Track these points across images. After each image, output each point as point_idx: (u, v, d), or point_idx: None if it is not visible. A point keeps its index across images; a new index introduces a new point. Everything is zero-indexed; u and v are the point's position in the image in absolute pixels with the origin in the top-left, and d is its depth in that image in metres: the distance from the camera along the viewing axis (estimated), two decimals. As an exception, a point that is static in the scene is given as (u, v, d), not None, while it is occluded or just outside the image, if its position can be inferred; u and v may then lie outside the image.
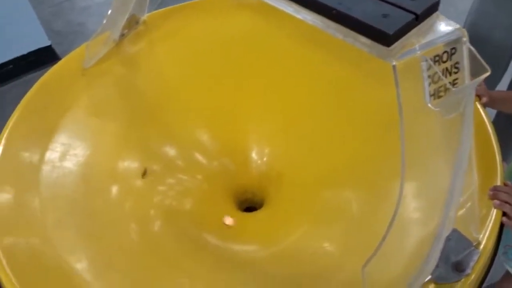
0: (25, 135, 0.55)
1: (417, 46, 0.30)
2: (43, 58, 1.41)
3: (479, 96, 0.57)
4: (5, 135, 0.54)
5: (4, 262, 0.43)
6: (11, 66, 1.41)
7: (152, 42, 0.66)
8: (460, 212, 0.39)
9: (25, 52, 1.41)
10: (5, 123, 0.56)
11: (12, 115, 0.57)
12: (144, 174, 0.54)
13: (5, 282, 0.43)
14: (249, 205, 0.63)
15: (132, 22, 0.65)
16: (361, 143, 0.57)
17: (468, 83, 0.31)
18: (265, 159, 0.63)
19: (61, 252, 0.46)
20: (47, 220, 0.48)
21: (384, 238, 0.35)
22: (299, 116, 0.63)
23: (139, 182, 0.56)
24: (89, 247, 0.48)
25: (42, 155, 0.53)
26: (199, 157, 0.62)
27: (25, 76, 1.42)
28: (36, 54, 1.42)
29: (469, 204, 0.39)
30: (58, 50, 1.43)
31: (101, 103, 0.61)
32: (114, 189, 0.54)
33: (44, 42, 1.42)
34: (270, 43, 0.65)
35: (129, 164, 0.57)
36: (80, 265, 0.46)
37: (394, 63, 0.30)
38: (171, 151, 0.61)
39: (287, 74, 0.65)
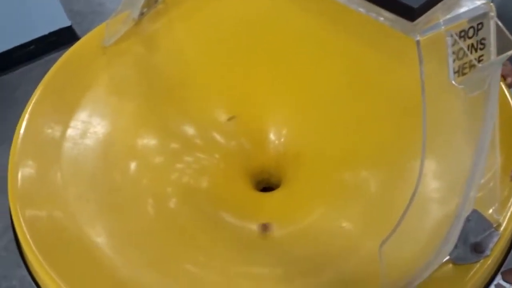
0: (47, 113, 0.56)
1: (441, 21, 0.29)
2: (63, 38, 1.43)
3: (504, 76, 0.55)
4: (28, 112, 0.55)
5: (27, 233, 0.44)
6: (32, 47, 1.43)
7: (172, 21, 0.65)
8: (481, 193, 0.38)
9: (46, 32, 1.43)
10: (27, 101, 0.57)
11: (34, 92, 0.58)
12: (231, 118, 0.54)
13: (27, 253, 0.44)
14: (266, 185, 0.64)
15: (152, 1, 0.65)
16: (380, 123, 0.56)
17: (494, 59, 0.30)
18: (282, 139, 0.63)
19: (82, 225, 0.47)
20: (69, 194, 0.49)
21: (402, 217, 0.35)
22: (317, 96, 0.63)
23: (157, 160, 0.56)
24: (108, 222, 0.49)
25: (64, 132, 0.54)
26: (217, 136, 0.62)
27: (46, 56, 1.44)
28: (57, 34, 1.44)
29: (490, 185, 0.39)
30: (78, 30, 1.45)
31: (121, 82, 0.62)
32: (133, 166, 0.55)
33: (65, 22, 1.44)
34: (291, 23, 0.64)
35: (148, 142, 0.57)
36: (100, 239, 0.47)
37: (418, 38, 0.29)
38: (189, 130, 0.62)
39: (307, 54, 0.64)
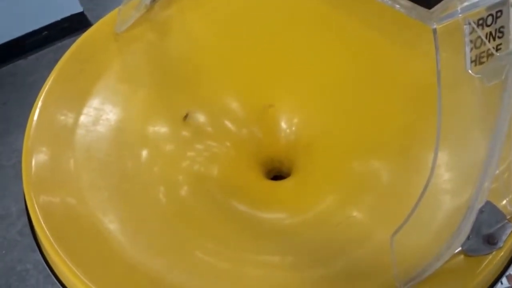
0: (60, 100, 0.57)
1: (459, 9, 0.29)
2: (76, 24, 1.43)
3: None
4: (41, 99, 0.56)
5: (40, 218, 0.45)
6: (45, 32, 1.44)
7: (184, 7, 0.65)
8: (495, 184, 0.38)
9: (58, 18, 1.44)
10: (41, 87, 0.57)
11: (47, 80, 0.58)
12: (185, 117, 0.54)
13: (41, 238, 0.45)
14: (277, 174, 0.63)
15: (164, -13, 0.64)
16: (392, 112, 0.55)
17: (513, 48, 0.30)
18: (293, 128, 0.63)
19: (94, 212, 0.47)
20: (81, 181, 0.49)
21: (415, 208, 0.35)
22: (330, 85, 0.62)
23: (168, 147, 0.57)
24: (120, 209, 0.49)
25: (76, 119, 0.55)
26: (228, 124, 0.62)
27: (58, 42, 1.45)
28: (69, 20, 1.45)
29: (504, 176, 0.38)
30: (90, 16, 1.45)
31: (133, 69, 0.62)
32: (144, 154, 0.55)
33: (77, 8, 1.44)
34: (304, 10, 0.64)
35: (159, 129, 0.58)
36: (113, 226, 0.47)
37: (434, 26, 0.28)
38: (201, 118, 0.62)
39: (318, 42, 0.63)
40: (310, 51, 0.63)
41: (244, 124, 0.62)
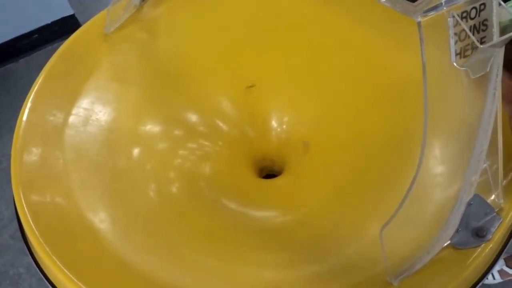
0: (49, 100, 0.56)
1: (443, 2, 0.29)
2: (66, 27, 1.43)
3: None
4: (30, 99, 0.55)
5: (30, 220, 0.45)
6: (36, 36, 1.43)
7: (173, 6, 0.65)
8: (483, 177, 0.38)
9: (49, 21, 1.43)
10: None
11: (37, 79, 0.58)
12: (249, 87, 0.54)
13: (31, 239, 0.45)
14: (269, 172, 0.64)
15: (153, -13, 0.64)
16: (383, 108, 0.56)
17: (497, 39, 0.30)
18: (284, 126, 0.63)
19: (85, 212, 0.47)
20: (71, 181, 0.49)
21: (403, 202, 0.35)
22: (320, 83, 0.62)
23: (160, 147, 0.57)
24: (111, 208, 0.49)
25: (66, 120, 0.55)
26: (220, 123, 0.62)
27: (49, 45, 1.44)
28: (60, 23, 1.44)
29: (493, 169, 0.38)
30: (80, 19, 1.45)
31: (123, 69, 0.62)
32: (135, 153, 0.55)
33: (67, 11, 1.44)
34: (293, 8, 0.64)
35: (151, 129, 0.57)
36: (103, 225, 0.47)
37: (419, 20, 0.29)
38: (192, 117, 0.62)
39: (309, 40, 0.64)
40: (301, 49, 0.63)
41: (235, 123, 0.62)
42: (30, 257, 0.48)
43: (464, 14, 0.29)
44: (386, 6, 0.30)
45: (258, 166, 0.62)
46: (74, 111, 0.55)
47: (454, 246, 0.39)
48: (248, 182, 0.58)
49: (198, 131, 0.61)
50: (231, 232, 0.51)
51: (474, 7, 0.30)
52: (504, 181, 0.41)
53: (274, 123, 0.63)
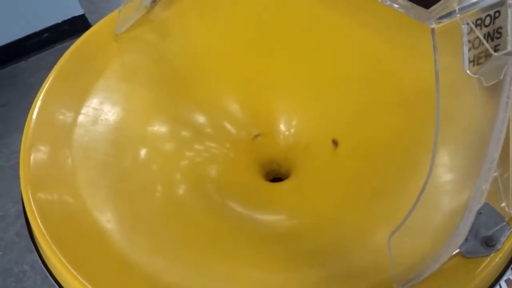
0: (59, 99, 0.57)
1: (457, 9, 0.29)
2: (76, 26, 1.44)
3: None
4: (40, 98, 0.56)
5: (37, 217, 0.45)
6: (46, 35, 1.44)
7: (184, 8, 0.65)
8: (494, 186, 0.38)
9: (59, 21, 1.45)
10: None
11: (46, 79, 0.58)
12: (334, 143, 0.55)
13: (38, 236, 0.45)
14: (276, 176, 0.63)
15: (164, -12, 0.65)
16: (392, 114, 0.55)
17: (511, 48, 0.30)
18: (292, 130, 0.63)
19: (92, 211, 0.47)
20: (79, 180, 0.49)
21: (413, 209, 0.35)
22: (328, 87, 0.62)
23: (167, 148, 0.57)
24: (118, 208, 0.49)
25: (75, 119, 0.55)
26: (227, 126, 0.62)
27: (59, 44, 1.46)
28: (70, 23, 1.45)
29: (503, 178, 0.38)
30: (90, 19, 1.46)
31: (132, 69, 0.62)
32: (143, 154, 0.55)
33: (78, 10, 1.45)
34: (302, 11, 0.64)
35: (158, 129, 0.57)
36: (110, 225, 0.47)
37: (433, 26, 0.28)
38: (200, 119, 0.62)
39: (318, 45, 0.63)
40: (309, 53, 0.63)
41: (242, 126, 0.62)
42: (35, 254, 0.49)
43: (479, 22, 0.29)
44: (399, 12, 0.30)
45: (265, 170, 0.62)
46: (84, 110, 0.56)
47: (463, 255, 0.39)
48: (255, 185, 0.58)
49: (205, 133, 0.61)
50: (237, 234, 0.51)
51: (489, 15, 0.29)
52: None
53: (282, 127, 0.63)
